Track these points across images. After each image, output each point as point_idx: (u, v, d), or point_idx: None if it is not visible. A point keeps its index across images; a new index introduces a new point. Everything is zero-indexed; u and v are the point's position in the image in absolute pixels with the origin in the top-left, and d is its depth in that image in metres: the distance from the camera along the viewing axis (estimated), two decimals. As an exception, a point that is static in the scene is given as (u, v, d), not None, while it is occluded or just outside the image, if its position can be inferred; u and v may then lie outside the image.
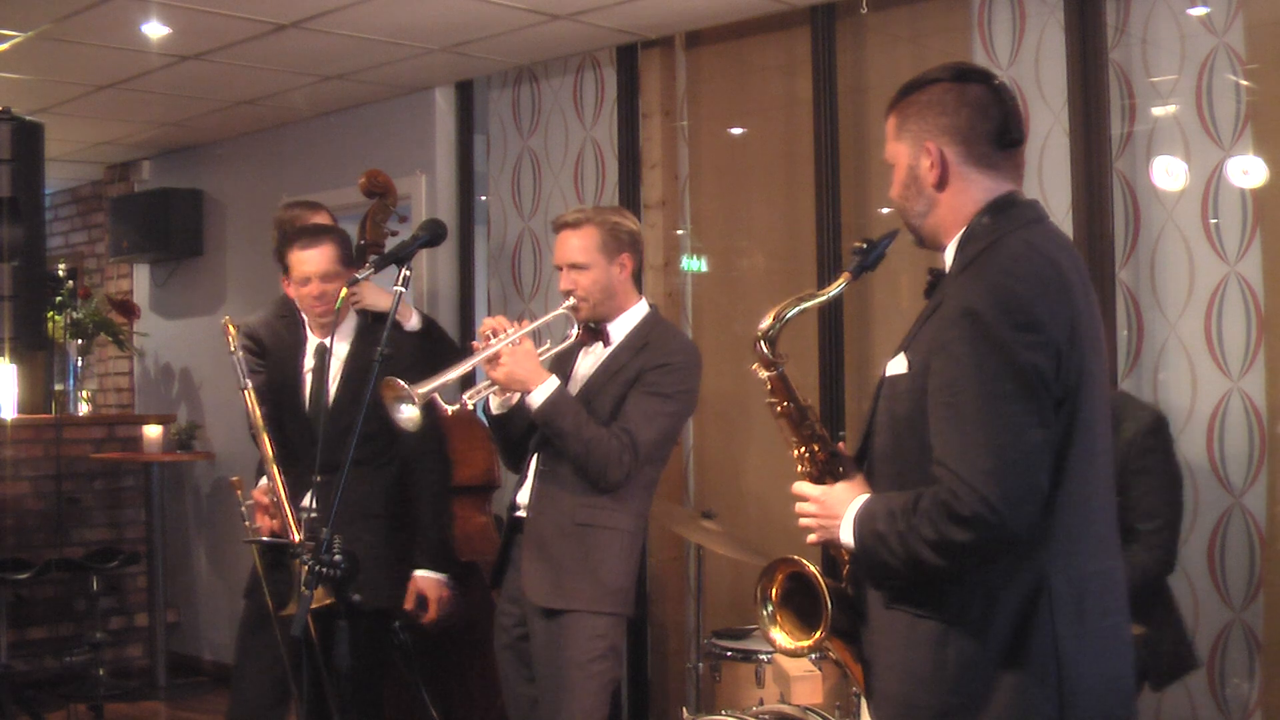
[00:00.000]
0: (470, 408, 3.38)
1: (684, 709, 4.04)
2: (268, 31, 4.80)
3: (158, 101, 5.90)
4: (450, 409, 3.33)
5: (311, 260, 3.83)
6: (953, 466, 2.06)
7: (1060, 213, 4.12)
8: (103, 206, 7.61)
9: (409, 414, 3.18)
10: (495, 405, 3.53)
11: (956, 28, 4.38)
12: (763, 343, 2.41)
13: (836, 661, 2.58)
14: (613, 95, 5.24)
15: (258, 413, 3.70)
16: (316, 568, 2.77)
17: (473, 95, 5.77)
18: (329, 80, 5.57)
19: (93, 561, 6.34)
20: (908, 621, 2.19)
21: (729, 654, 3.80)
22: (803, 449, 2.41)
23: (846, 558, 2.38)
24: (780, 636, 2.35)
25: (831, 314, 4.53)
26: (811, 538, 2.34)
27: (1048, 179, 4.17)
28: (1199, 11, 3.91)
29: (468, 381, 4.79)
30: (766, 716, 3.50)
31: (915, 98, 2.30)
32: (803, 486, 2.37)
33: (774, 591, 2.37)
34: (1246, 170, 3.84)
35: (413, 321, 4.25)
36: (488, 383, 3.42)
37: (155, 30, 4.77)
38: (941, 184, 2.27)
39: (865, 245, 2.41)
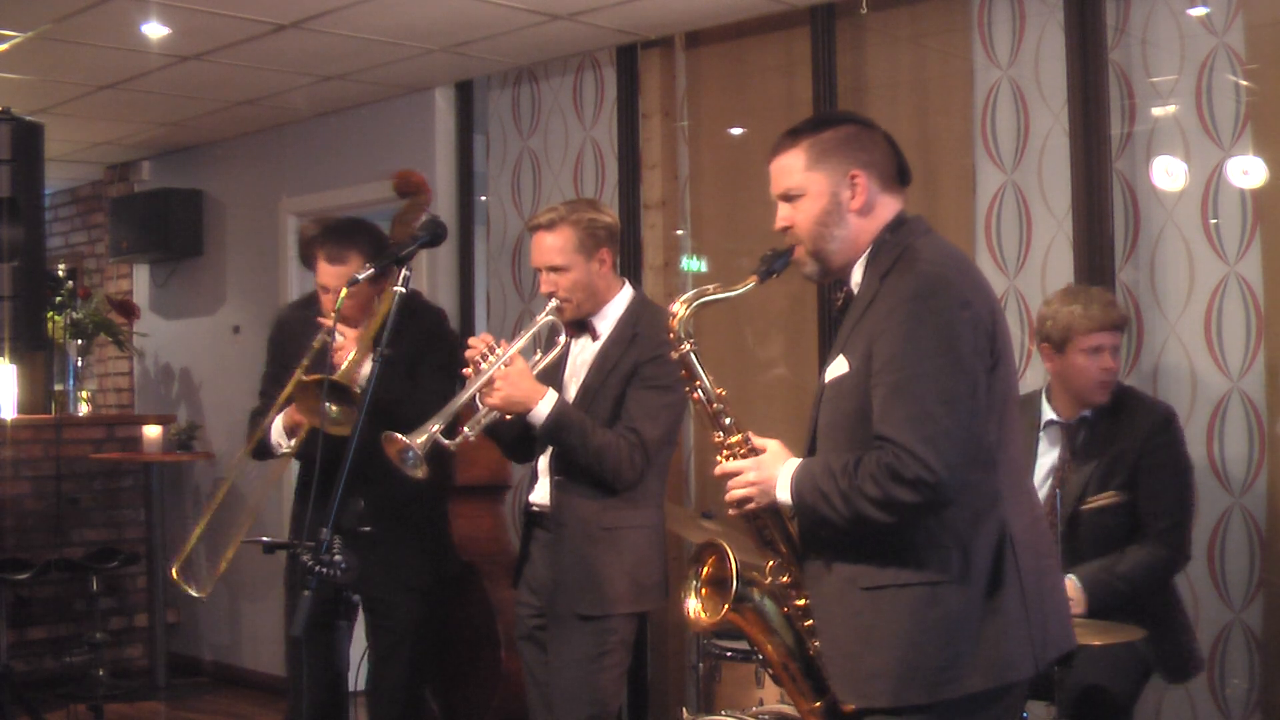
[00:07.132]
0: (472, 439, 3.36)
1: (684, 709, 4.04)
2: (268, 31, 4.80)
3: (158, 101, 5.90)
4: (452, 444, 3.30)
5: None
6: (894, 436, 2.25)
7: (1060, 213, 4.12)
8: (103, 207, 7.60)
9: (415, 467, 3.22)
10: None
11: (956, 28, 4.38)
12: (675, 323, 2.51)
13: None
14: (612, 95, 5.24)
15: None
16: (317, 568, 2.77)
17: (473, 95, 5.76)
18: (329, 80, 5.57)
19: (92, 561, 6.34)
20: (891, 595, 2.32)
21: (729, 654, 3.80)
22: (719, 434, 2.53)
23: (779, 536, 2.50)
24: (694, 605, 2.55)
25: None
26: (750, 505, 2.46)
27: (1048, 179, 4.17)
28: (1199, 11, 3.91)
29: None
30: (766, 716, 3.49)
31: (827, 134, 2.47)
32: (727, 465, 2.49)
33: (703, 572, 2.57)
34: (1246, 170, 3.84)
35: None
36: (486, 410, 3.38)
37: (155, 30, 4.77)
38: (864, 210, 2.46)
39: (772, 254, 2.54)
